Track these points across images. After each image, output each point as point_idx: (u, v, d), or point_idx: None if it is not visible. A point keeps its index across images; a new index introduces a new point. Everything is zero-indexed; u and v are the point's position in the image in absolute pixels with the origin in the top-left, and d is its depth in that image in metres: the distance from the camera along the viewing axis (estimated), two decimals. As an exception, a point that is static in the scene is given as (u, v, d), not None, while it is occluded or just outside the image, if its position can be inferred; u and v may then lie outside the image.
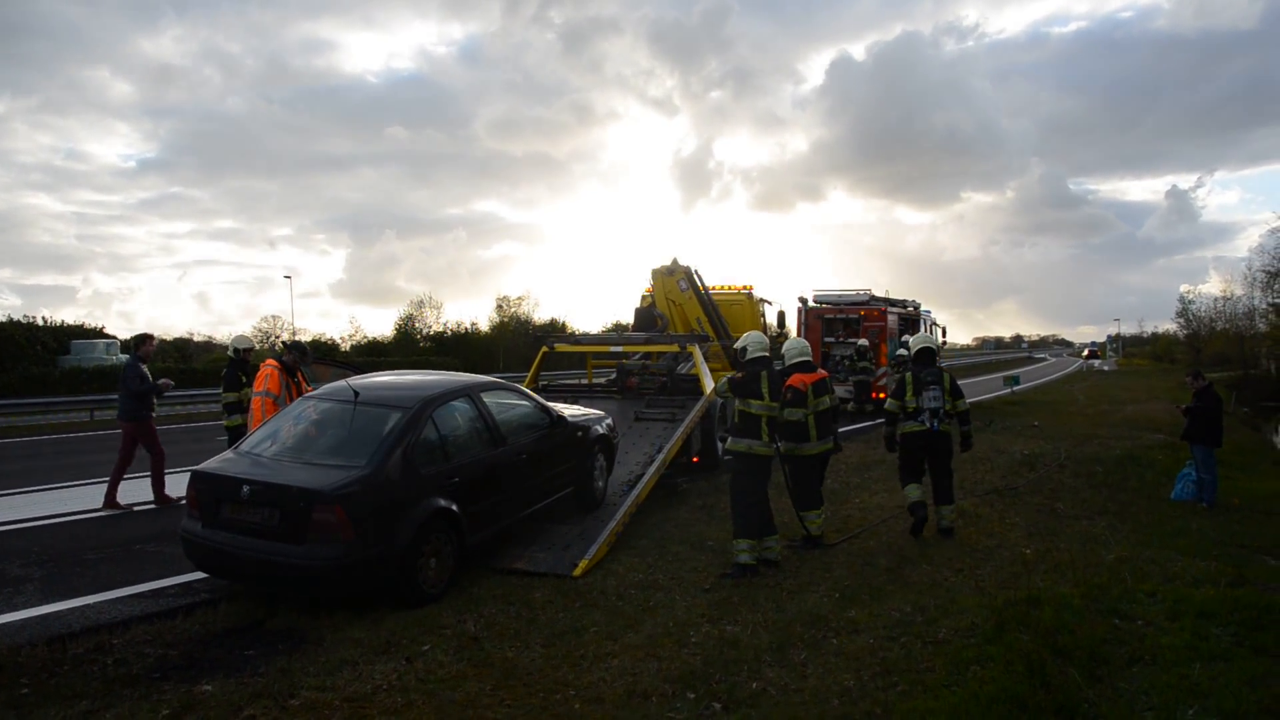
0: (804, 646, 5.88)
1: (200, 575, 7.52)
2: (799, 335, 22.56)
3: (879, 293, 24.39)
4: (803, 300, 23.79)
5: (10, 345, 35.17)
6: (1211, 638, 5.92)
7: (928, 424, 9.04)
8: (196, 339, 61.60)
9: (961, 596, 6.97)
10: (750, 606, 6.72)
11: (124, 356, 38.82)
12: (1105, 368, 70.29)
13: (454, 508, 6.99)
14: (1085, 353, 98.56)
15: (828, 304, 23.89)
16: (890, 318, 23.36)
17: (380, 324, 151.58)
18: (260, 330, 59.39)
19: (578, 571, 7.53)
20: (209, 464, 7.14)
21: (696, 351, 12.59)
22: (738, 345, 8.36)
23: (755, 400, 7.80)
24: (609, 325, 56.02)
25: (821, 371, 8.82)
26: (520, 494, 8.08)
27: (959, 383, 9.45)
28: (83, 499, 11.03)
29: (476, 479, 7.42)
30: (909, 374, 9.35)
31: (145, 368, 10.98)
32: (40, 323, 40.86)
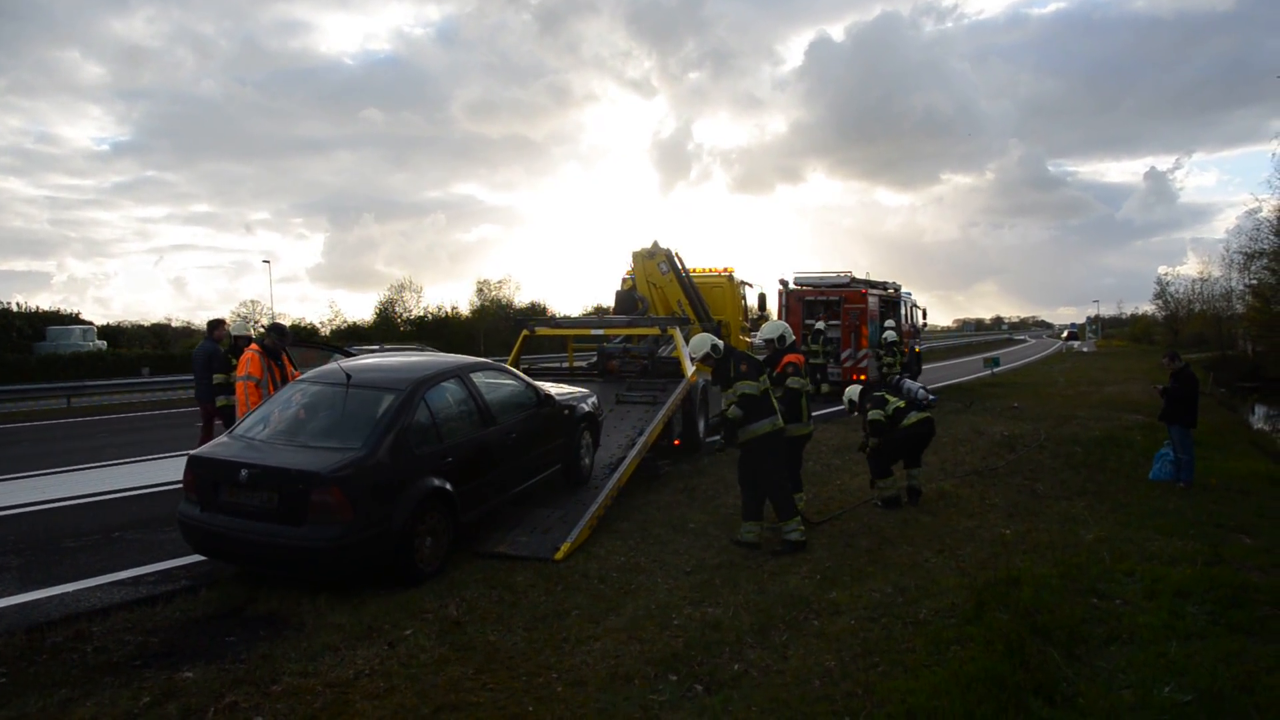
0: (785, 628, 5.92)
1: (180, 562, 7.50)
2: (780, 318, 22.55)
3: (859, 275, 24.43)
4: (783, 282, 23.77)
5: (-16, 332, 34.80)
6: (1188, 616, 6.00)
7: (923, 406, 9.36)
8: (175, 324, 60.98)
9: (942, 577, 7.03)
10: (732, 588, 6.75)
11: (101, 343, 38.58)
12: (1084, 349, 70.78)
13: (448, 487, 7.10)
14: (1065, 334, 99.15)
15: (808, 286, 23.89)
16: (871, 300, 23.38)
17: (360, 308, 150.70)
18: (239, 315, 58.99)
19: (559, 555, 7.53)
20: (205, 448, 7.21)
21: (677, 334, 12.60)
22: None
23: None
24: (590, 308, 55.96)
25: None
26: (511, 472, 8.20)
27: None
28: (60, 486, 10.93)
29: (469, 458, 7.52)
30: (876, 393, 10.07)
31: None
32: (14, 309, 40.42)
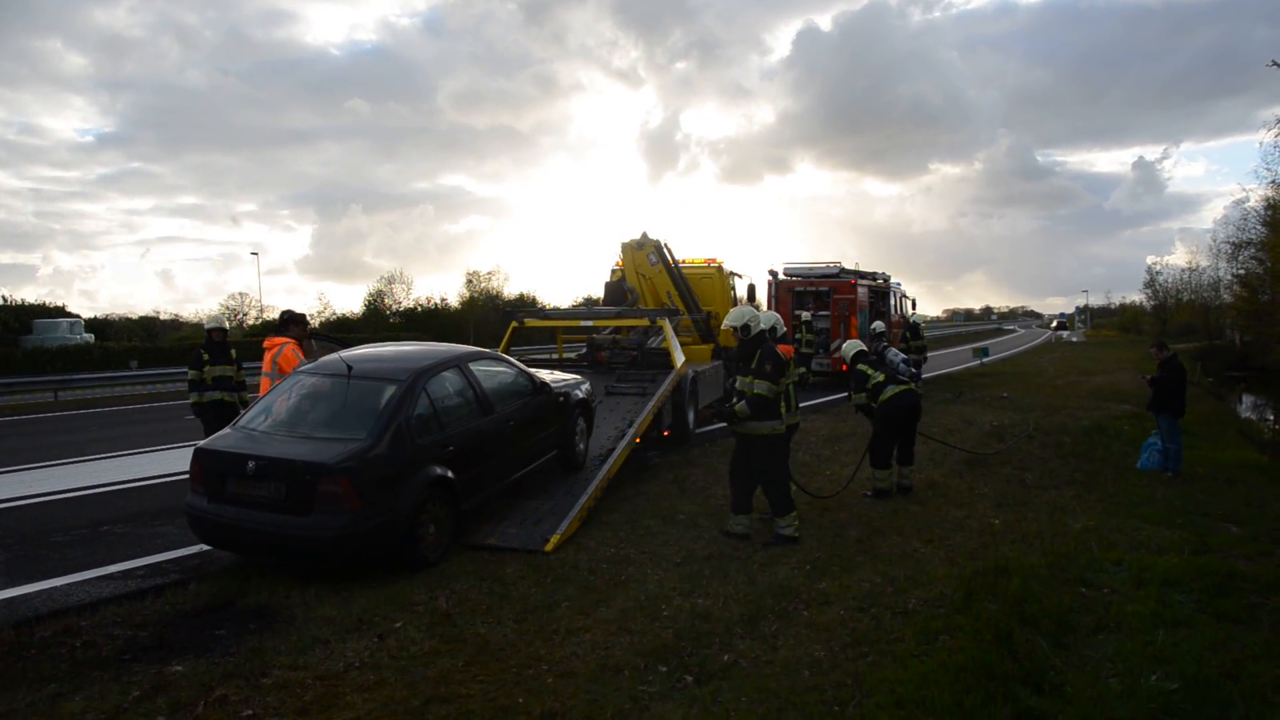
0: (775, 618, 5.93)
1: (169, 556, 7.50)
2: (770, 308, 22.57)
3: (849, 265, 24.45)
4: (773, 273, 23.79)
5: (-30, 325, 34.60)
6: (1175, 605, 6.04)
7: (907, 380, 9.37)
8: (163, 317, 60.65)
9: (931, 567, 7.05)
10: (721, 579, 6.76)
11: (88, 336, 38.37)
12: (1073, 339, 70.95)
13: (449, 475, 7.22)
14: (1054, 324, 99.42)
15: (798, 277, 23.90)
16: (860, 290, 23.41)
17: (349, 300, 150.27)
18: (227, 308, 58.75)
19: (549, 547, 7.53)
20: (212, 441, 7.31)
21: (667, 325, 12.59)
22: (739, 323, 8.15)
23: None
24: (579, 300, 55.88)
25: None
26: (509, 459, 8.31)
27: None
28: (48, 481, 10.88)
29: (469, 446, 7.63)
30: (861, 365, 9.99)
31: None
32: (0, 302, 40.21)
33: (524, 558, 7.32)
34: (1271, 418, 27.29)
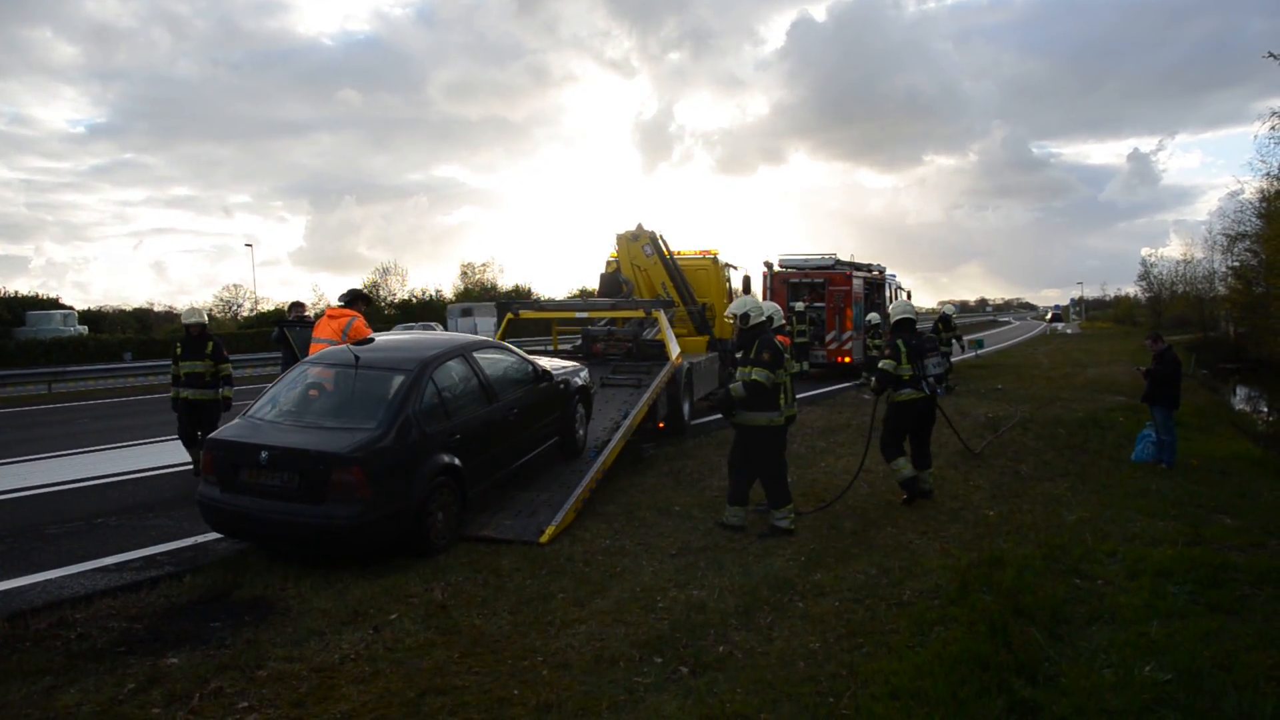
0: (770, 610, 5.94)
1: (164, 548, 7.49)
2: (765, 299, 22.54)
3: (844, 257, 24.45)
4: (768, 265, 23.78)
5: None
6: (1169, 596, 6.05)
7: (927, 390, 9.14)
8: (157, 309, 60.54)
9: (926, 559, 7.07)
10: (717, 571, 6.77)
11: (82, 328, 38.30)
12: (1068, 331, 71.06)
13: (456, 462, 7.30)
14: (1049, 316, 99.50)
15: (793, 268, 23.88)
16: (855, 282, 23.42)
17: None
18: (222, 300, 58.67)
19: (544, 538, 7.53)
20: (224, 431, 7.37)
21: (662, 317, 12.59)
22: (740, 313, 8.19)
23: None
24: (574, 291, 55.88)
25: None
26: (513, 446, 8.45)
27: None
28: (42, 472, 10.86)
29: (475, 434, 7.72)
30: (900, 341, 9.25)
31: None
32: (-8, 294, 40.12)
33: (519, 549, 7.32)
34: (1265, 410, 27.39)
